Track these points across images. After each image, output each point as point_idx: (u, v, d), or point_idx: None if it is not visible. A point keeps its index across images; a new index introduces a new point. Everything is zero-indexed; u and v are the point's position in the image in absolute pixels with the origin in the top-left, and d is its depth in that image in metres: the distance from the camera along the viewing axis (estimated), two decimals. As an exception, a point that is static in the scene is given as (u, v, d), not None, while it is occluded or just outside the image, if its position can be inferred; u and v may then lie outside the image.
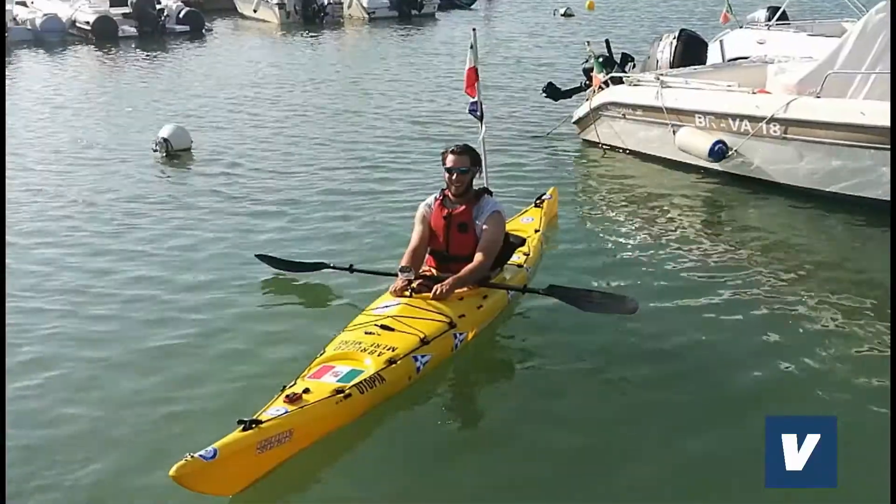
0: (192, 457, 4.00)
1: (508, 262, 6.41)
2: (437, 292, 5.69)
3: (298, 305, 6.97)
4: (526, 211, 8.03)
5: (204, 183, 10.71)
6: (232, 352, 6.11)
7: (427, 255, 6.08)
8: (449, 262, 5.96)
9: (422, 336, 5.33)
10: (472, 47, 8.11)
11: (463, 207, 5.94)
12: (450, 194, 6.00)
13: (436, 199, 6.07)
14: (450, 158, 5.94)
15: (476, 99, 8.18)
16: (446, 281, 5.74)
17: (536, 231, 7.42)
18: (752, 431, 4.78)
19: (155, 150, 11.70)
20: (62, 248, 8.44)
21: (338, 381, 4.89)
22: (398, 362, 5.11)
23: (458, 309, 5.72)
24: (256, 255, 7.48)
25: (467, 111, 8.44)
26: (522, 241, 6.64)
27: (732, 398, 5.51)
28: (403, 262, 5.91)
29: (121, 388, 5.67)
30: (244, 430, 4.27)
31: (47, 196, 10.35)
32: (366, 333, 5.34)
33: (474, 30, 8.25)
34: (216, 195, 10.11)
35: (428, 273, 6.01)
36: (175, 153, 11.71)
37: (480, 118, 8.25)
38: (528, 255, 6.79)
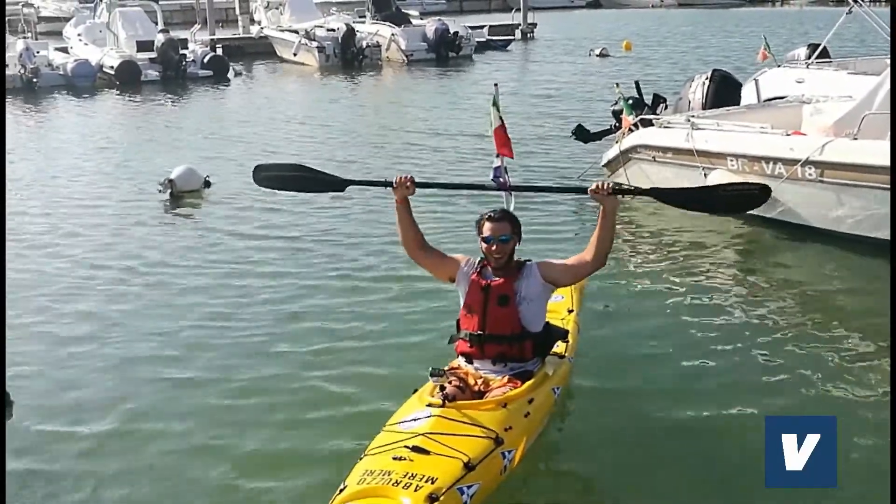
0: None
1: (550, 353, 5.48)
2: (601, 185, 4.95)
3: (300, 413, 5.96)
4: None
5: (197, 226, 10.46)
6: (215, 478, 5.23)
7: (458, 341, 5.26)
8: (485, 343, 5.09)
9: (465, 460, 4.26)
10: (494, 104, 7.29)
11: (503, 280, 5.15)
12: (490, 266, 5.22)
13: (475, 268, 5.25)
14: (487, 226, 5.13)
15: (500, 164, 7.09)
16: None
17: (570, 311, 6.45)
18: (752, 431, 4.86)
19: (160, 191, 11.54)
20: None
21: None
22: (441, 499, 4.03)
23: (503, 420, 4.65)
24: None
25: (490, 178, 7.20)
26: (565, 334, 5.62)
27: (732, 398, 5.62)
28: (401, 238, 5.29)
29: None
30: None
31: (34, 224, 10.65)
32: (394, 459, 4.25)
33: (496, 85, 7.64)
34: (209, 243, 9.75)
35: (462, 373, 5.14)
36: (179, 194, 11.47)
37: (507, 188, 7.10)
38: (569, 342, 5.81)
